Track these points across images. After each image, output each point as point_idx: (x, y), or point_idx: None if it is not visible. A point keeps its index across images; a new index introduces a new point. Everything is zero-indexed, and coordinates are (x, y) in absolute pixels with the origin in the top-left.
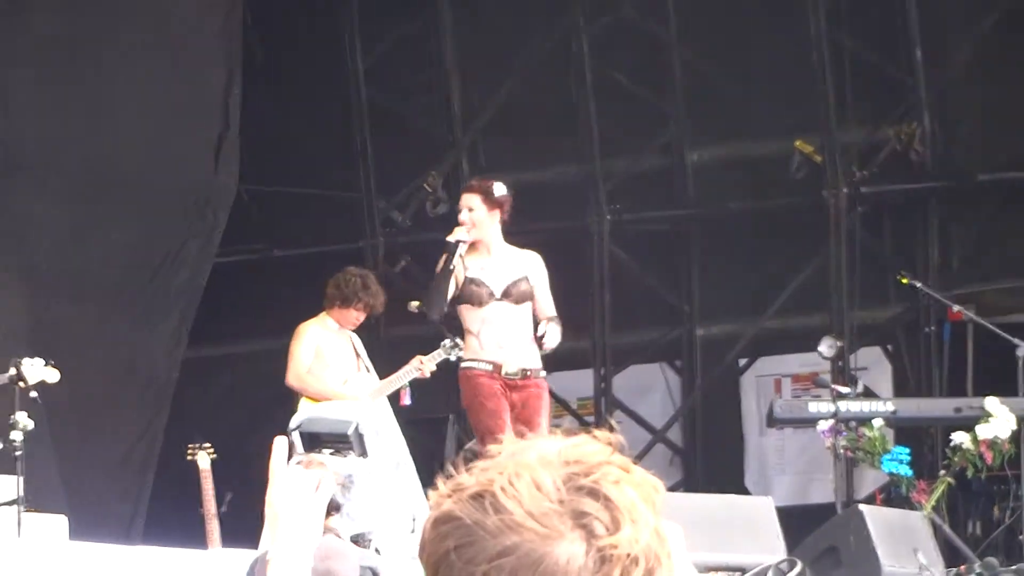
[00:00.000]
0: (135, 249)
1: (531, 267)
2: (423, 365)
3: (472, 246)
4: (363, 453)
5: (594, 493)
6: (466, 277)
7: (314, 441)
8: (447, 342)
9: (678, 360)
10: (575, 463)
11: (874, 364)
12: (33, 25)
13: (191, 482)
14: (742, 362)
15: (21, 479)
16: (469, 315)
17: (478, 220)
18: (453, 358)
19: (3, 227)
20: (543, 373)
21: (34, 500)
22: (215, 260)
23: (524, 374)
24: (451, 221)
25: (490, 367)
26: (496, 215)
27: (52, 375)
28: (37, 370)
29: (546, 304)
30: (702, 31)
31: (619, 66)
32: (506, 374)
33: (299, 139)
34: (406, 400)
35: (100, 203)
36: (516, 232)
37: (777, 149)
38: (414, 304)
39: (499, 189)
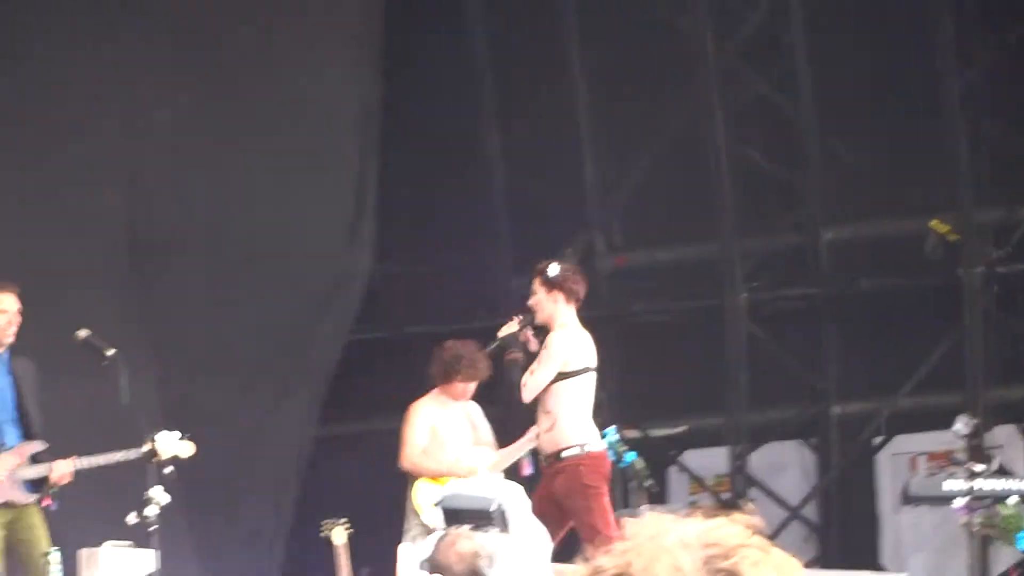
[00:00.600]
0: (271, 327)
1: None
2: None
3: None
4: (505, 529)
5: (732, 575)
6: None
7: (456, 517)
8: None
9: (814, 438)
10: (714, 545)
11: (1009, 442)
12: (171, 103)
13: (322, 557)
14: (877, 440)
15: (157, 553)
16: None
17: (537, 303)
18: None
19: (140, 303)
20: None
21: (169, 574)
22: (349, 337)
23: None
24: (585, 299)
25: None
26: (557, 296)
27: (187, 449)
28: (172, 444)
29: None
30: (837, 109)
31: (754, 144)
32: None
33: (434, 217)
34: (527, 470)
35: (238, 281)
36: (652, 311)
37: (912, 228)
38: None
39: (553, 270)
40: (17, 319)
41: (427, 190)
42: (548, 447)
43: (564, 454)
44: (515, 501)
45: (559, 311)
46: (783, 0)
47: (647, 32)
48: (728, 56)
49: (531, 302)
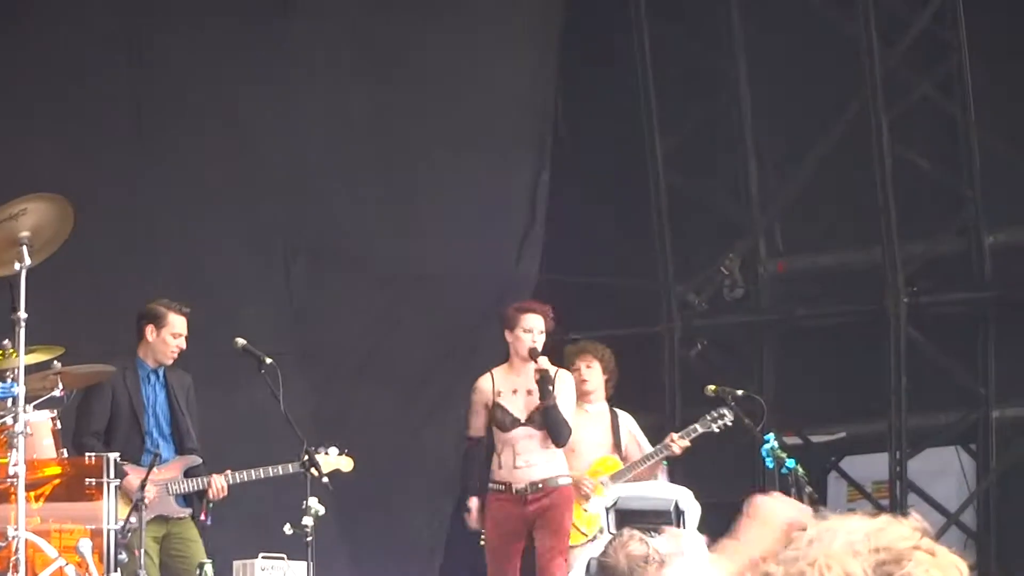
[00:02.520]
0: (434, 338)
1: None
2: (673, 443)
3: None
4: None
5: None
6: None
7: (629, 518)
8: (710, 414)
9: (973, 443)
10: (884, 550)
11: None
12: (340, 105)
13: (480, 567)
14: None
15: (312, 564)
16: None
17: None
18: (716, 430)
19: (298, 314)
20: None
21: None
22: None
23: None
24: (747, 304)
25: None
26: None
27: (346, 464)
28: (331, 459)
29: None
30: (1003, 112)
31: (917, 147)
32: None
33: (596, 225)
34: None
35: (404, 292)
36: (813, 315)
37: None
38: (711, 388)
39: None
40: (184, 344)
41: (589, 198)
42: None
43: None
44: (690, 504)
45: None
46: (949, 2)
47: (811, 36)
48: (892, 59)
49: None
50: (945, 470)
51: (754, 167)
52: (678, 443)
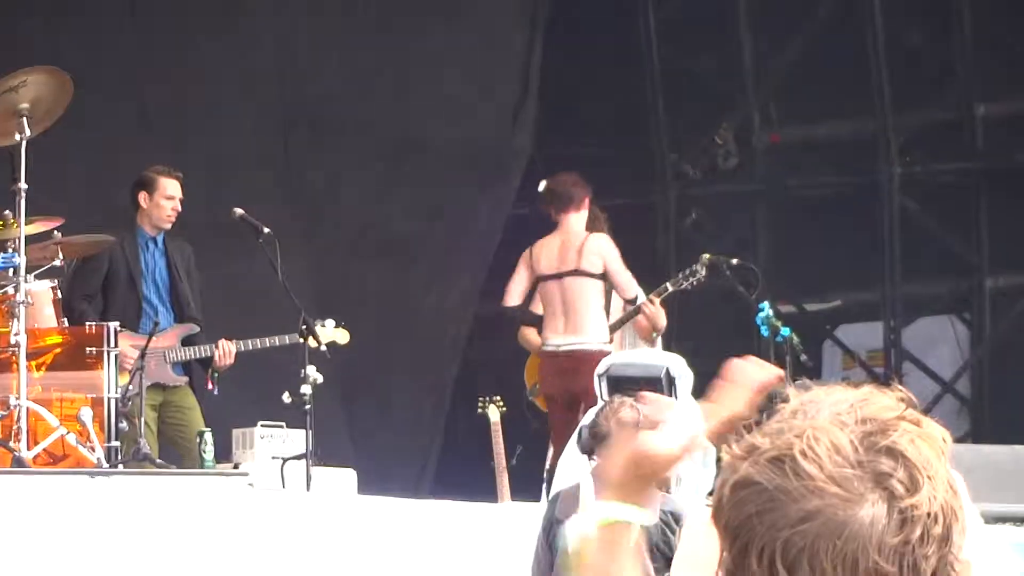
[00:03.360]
0: (431, 208)
1: None
2: (644, 304)
3: None
4: (673, 398)
5: (892, 452)
6: None
7: (620, 385)
8: (682, 271)
9: (967, 312)
10: (870, 420)
11: None
12: None
13: (482, 436)
14: None
15: (310, 433)
16: None
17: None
18: (687, 287)
19: (294, 184)
20: None
21: (323, 454)
22: (509, 211)
23: None
24: (741, 175)
25: None
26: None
27: (342, 336)
28: (328, 331)
29: None
30: None
31: (908, 22)
32: None
33: (589, 97)
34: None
35: (399, 163)
36: (806, 185)
37: None
38: (705, 257)
39: (540, 187)
40: (179, 207)
41: (582, 70)
42: None
43: None
44: (682, 370)
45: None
46: None
47: None
48: None
49: None
50: (939, 338)
51: (748, 39)
52: (649, 301)
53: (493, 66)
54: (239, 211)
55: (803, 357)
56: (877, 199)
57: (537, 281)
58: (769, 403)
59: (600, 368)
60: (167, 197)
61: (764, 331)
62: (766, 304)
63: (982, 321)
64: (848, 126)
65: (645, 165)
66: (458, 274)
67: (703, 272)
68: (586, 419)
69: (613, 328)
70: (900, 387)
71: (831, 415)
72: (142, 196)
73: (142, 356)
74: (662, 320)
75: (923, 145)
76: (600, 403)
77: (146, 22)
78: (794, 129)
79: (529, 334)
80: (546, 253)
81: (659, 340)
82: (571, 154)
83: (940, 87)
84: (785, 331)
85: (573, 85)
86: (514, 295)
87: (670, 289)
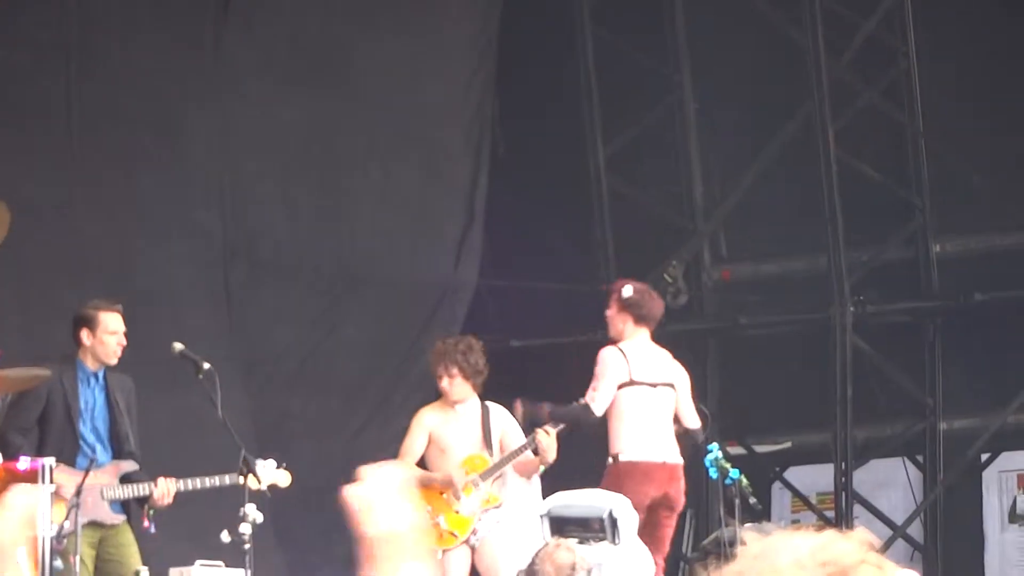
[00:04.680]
0: (374, 344)
1: None
2: (539, 433)
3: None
4: (615, 540)
5: None
6: None
7: (562, 526)
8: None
9: (920, 455)
10: (830, 564)
11: None
12: (282, 113)
13: None
14: (985, 456)
15: (249, 572)
16: None
17: (609, 319)
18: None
19: (235, 320)
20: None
21: None
22: None
23: None
24: (691, 313)
25: None
26: (626, 317)
27: (284, 478)
28: (269, 472)
29: None
30: (948, 120)
31: (863, 156)
32: None
33: (538, 230)
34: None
35: (341, 297)
36: (757, 324)
37: None
38: None
39: (627, 291)
40: (123, 340)
41: (531, 203)
42: None
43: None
44: (625, 513)
45: (626, 331)
46: (898, 8)
47: (757, 43)
48: (839, 66)
49: (607, 314)
50: (891, 481)
51: (698, 173)
52: (544, 432)
53: (437, 199)
54: (179, 346)
55: (752, 500)
56: (829, 338)
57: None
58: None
59: (542, 508)
60: (110, 332)
61: (713, 473)
62: (715, 446)
63: (935, 464)
64: (800, 263)
65: (593, 301)
66: (401, 410)
67: None
68: (524, 561)
69: (503, 462)
70: (862, 530)
71: (793, 558)
72: (84, 333)
73: (78, 493)
74: (553, 454)
75: (877, 284)
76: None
77: (84, 151)
78: (745, 266)
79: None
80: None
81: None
82: (518, 287)
83: (895, 224)
84: (734, 473)
85: (521, 219)
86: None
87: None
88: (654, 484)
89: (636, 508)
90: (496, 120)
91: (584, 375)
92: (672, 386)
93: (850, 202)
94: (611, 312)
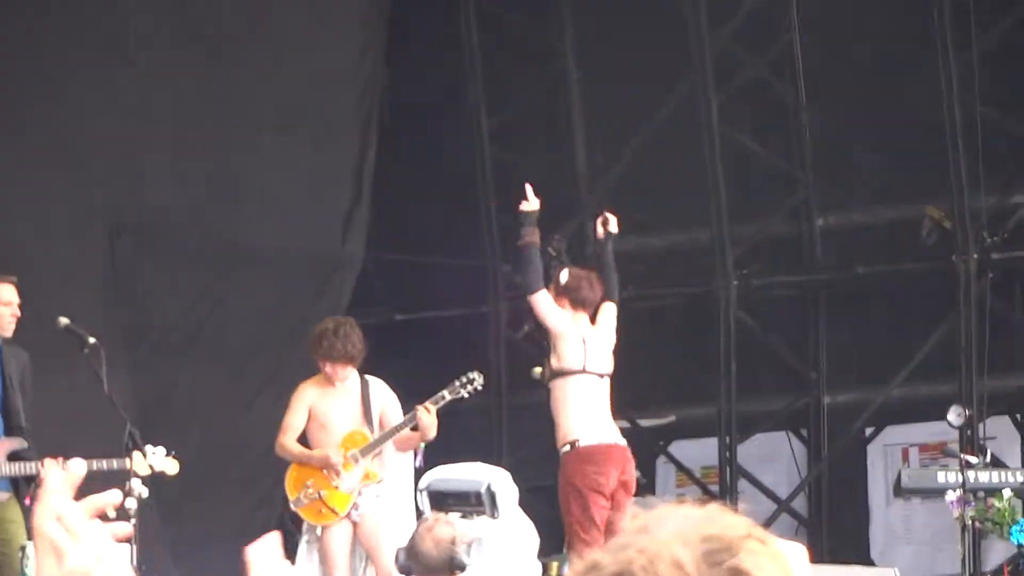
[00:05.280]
0: (262, 317)
1: None
2: (419, 410)
3: None
4: (494, 514)
5: (736, 571)
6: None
7: (442, 501)
8: (459, 379)
9: (804, 429)
10: (714, 539)
11: (1003, 433)
12: (172, 87)
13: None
14: (869, 431)
15: (135, 548)
16: None
17: None
18: (465, 395)
19: (120, 292)
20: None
21: (147, 570)
22: None
23: None
24: None
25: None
26: (563, 302)
27: (172, 466)
28: (158, 459)
29: None
30: (832, 94)
31: (747, 129)
32: None
33: (423, 203)
34: (417, 462)
35: (228, 271)
36: (641, 297)
37: (907, 214)
38: (537, 370)
39: (564, 276)
40: (17, 311)
41: (415, 177)
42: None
43: (560, 451)
44: (505, 486)
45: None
46: None
47: (640, 14)
48: (723, 38)
49: None
50: (775, 455)
51: (582, 146)
52: (425, 409)
53: (325, 172)
54: (65, 320)
55: (636, 473)
56: (713, 312)
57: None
58: None
59: (421, 483)
60: (3, 303)
61: None
62: None
63: (819, 438)
64: (684, 237)
65: (478, 275)
66: (291, 382)
67: (480, 381)
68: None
69: (383, 439)
70: (743, 506)
71: (675, 532)
72: None
73: None
74: (433, 431)
75: (761, 257)
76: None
77: None
78: (629, 239)
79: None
80: None
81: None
82: (405, 261)
83: (779, 198)
84: None
85: (406, 190)
86: None
87: (447, 398)
88: (614, 463)
89: (601, 493)
90: (384, 93)
91: (471, 348)
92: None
93: (733, 176)
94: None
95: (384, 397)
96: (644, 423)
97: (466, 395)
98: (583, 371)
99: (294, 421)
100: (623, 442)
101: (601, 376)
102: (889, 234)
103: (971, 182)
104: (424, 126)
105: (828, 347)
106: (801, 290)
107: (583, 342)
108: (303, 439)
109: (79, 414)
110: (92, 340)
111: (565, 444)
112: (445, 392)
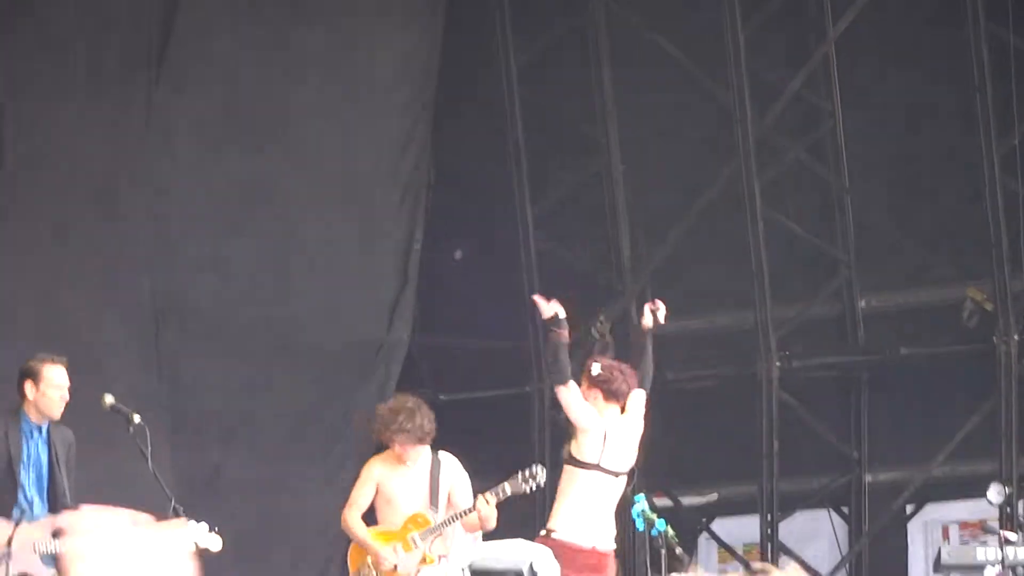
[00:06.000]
0: (308, 403)
1: None
2: (479, 501)
3: None
4: None
5: None
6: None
7: None
8: (522, 472)
9: (845, 506)
10: None
11: None
12: (216, 176)
13: None
14: (909, 508)
15: None
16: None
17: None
18: (527, 490)
19: (165, 379)
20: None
21: None
22: None
23: None
24: None
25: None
26: (595, 393)
27: (215, 543)
28: (201, 535)
29: None
30: (874, 177)
31: (790, 212)
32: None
33: (469, 287)
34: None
35: (275, 358)
36: (686, 377)
37: (948, 296)
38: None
39: (595, 369)
40: (67, 395)
41: (461, 262)
42: None
43: (539, 531)
44: (547, 564)
45: (598, 407)
46: (823, 69)
47: (684, 100)
48: (766, 123)
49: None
50: (817, 533)
51: (626, 231)
52: (484, 500)
53: (371, 258)
54: (110, 399)
55: (679, 551)
56: (756, 393)
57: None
58: None
59: (464, 560)
60: (55, 386)
61: (639, 524)
62: (641, 497)
63: (860, 515)
64: (727, 318)
65: (522, 356)
66: (337, 473)
67: (543, 476)
68: None
69: (444, 524)
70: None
71: None
72: (28, 386)
73: (9, 543)
74: (493, 522)
75: (803, 339)
76: None
77: (17, 212)
78: (673, 320)
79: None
80: None
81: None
82: (450, 345)
83: (821, 280)
84: (660, 524)
85: (448, 273)
86: None
87: (508, 492)
88: (584, 568)
89: None
90: (432, 179)
91: (515, 427)
92: (630, 473)
93: (776, 258)
94: (583, 389)
95: (454, 476)
96: (687, 501)
97: (528, 491)
98: (597, 467)
99: (360, 497)
100: (609, 548)
101: (616, 475)
102: (931, 315)
103: (1012, 264)
104: (471, 213)
105: (870, 426)
106: (843, 371)
107: (604, 438)
108: (370, 513)
109: (123, 491)
110: (137, 418)
111: (544, 528)
112: (507, 485)
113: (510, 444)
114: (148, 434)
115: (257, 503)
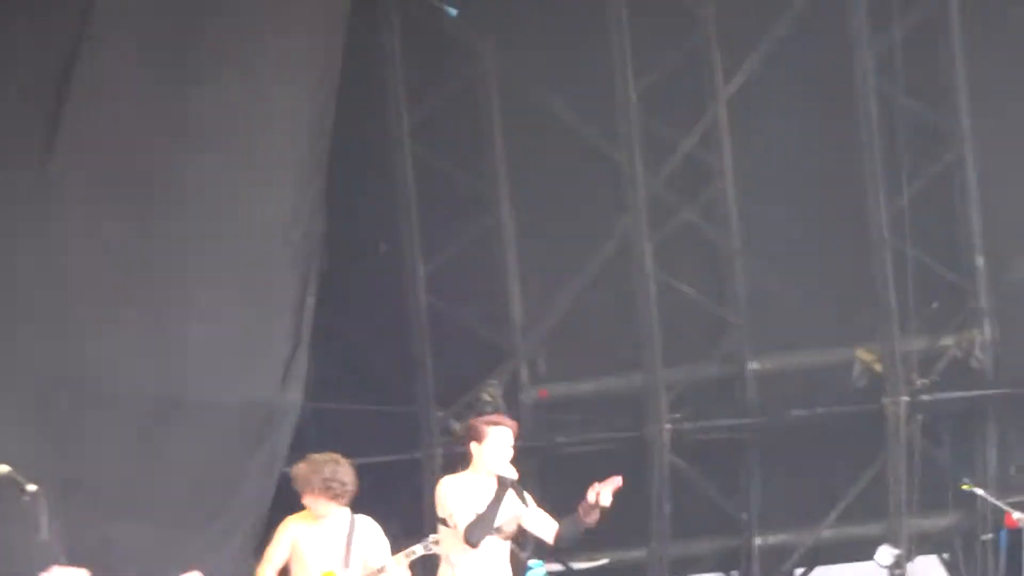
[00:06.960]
0: (199, 468)
1: None
2: (388, 567)
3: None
4: None
5: None
6: None
7: None
8: (431, 535)
9: (735, 570)
10: None
11: (931, 572)
12: (101, 235)
13: None
14: (799, 571)
15: None
16: None
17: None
18: (437, 552)
19: (56, 444)
20: None
21: None
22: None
23: None
24: None
25: None
26: (472, 446)
27: None
28: None
29: None
30: (764, 240)
31: (681, 274)
32: None
33: (357, 350)
34: None
35: (164, 422)
36: (576, 442)
37: (838, 357)
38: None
39: (457, 426)
40: None
41: (353, 323)
42: None
43: None
44: None
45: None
46: (714, 129)
47: (575, 160)
48: (657, 184)
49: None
50: None
51: (517, 291)
52: (395, 562)
53: (262, 320)
54: (4, 468)
55: None
56: (646, 456)
57: None
58: None
59: None
60: None
61: None
62: (538, 563)
63: None
64: (618, 381)
65: (412, 421)
66: (226, 539)
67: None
68: None
69: None
70: None
71: None
72: None
73: None
74: None
75: (694, 401)
76: None
77: None
78: (563, 384)
79: None
80: None
81: None
82: (340, 409)
83: (711, 342)
84: None
85: (337, 336)
86: None
87: (418, 553)
88: None
89: None
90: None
91: (406, 494)
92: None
93: (667, 320)
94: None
95: (372, 539)
96: (577, 565)
97: (438, 552)
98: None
99: (274, 555)
100: None
101: (506, 538)
102: (820, 377)
103: (901, 325)
104: (361, 273)
105: (761, 489)
106: (733, 433)
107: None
108: (284, 572)
109: (13, 565)
110: (31, 487)
111: None
112: (418, 547)
113: (403, 509)
114: (44, 502)
115: (146, 573)
